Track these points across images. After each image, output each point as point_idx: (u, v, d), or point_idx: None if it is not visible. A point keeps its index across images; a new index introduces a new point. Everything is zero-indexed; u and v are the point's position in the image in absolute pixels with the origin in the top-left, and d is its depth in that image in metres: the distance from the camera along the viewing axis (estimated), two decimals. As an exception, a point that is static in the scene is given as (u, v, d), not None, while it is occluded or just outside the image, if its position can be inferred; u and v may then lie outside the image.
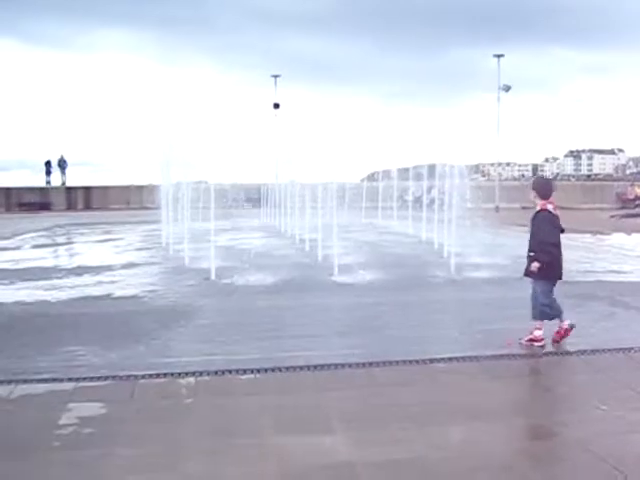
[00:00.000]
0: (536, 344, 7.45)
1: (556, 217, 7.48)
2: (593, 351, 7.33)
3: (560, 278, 7.59)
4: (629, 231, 24.67)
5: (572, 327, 7.51)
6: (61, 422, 5.42)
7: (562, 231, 7.57)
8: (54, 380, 6.44)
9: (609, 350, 7.37)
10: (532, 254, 7.44)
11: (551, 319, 7.55)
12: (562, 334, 7.53)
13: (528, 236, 7.60)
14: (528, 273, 7.50)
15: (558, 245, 7.43)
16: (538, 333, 7.49)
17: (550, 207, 7.48)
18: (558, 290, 7.65)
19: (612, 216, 32.49)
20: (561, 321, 7.54)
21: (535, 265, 7.34)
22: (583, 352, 7.29)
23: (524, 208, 39.15)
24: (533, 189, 7.68)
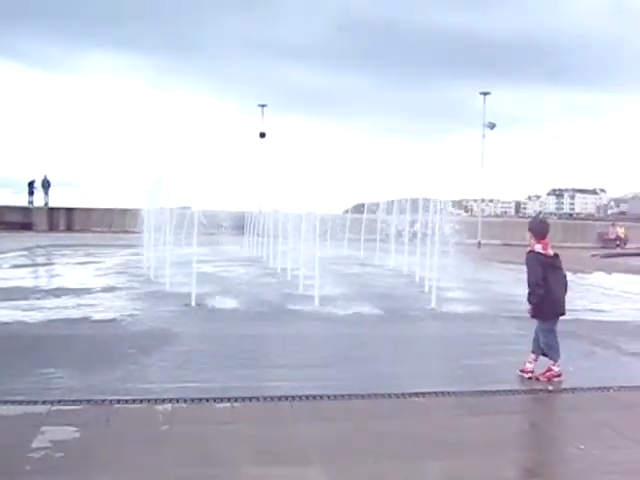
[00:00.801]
0: (555, 379, 7.56)
1: (545, 256, 7.56)
2: (572, 389, 7.36)
3: (559, 315, 7.71)
4: (609, 271, 24.85)
5: (558, 375, 7.59)
6: (34, 445, 5.32)
7: (560, 268, 7.64)
8: (28, 402, 6.34)
9: (588, 389, 7.39)
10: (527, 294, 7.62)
11: (551, 359, 7.66)
12: (547, 376, 7.58)
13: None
14: (533, 315, 7.68)
15: (549, 282, 7.47)
16: (555, 369, 7.62)
17: (538, 247, 7.58)
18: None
19: (593, 255, 32.75)
20: (553, 363, 7.63)
21: (528, 308, 7.60)
22: (563, 390, 7.31)
23: (505, 245, 39.48)
24: (529, 230, 7.81)
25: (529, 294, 7.53)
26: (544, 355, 7.67)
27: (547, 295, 7.47)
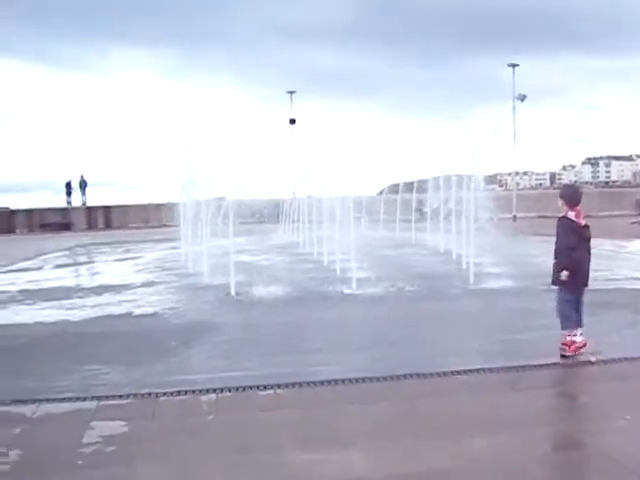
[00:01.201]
0: (582, 350, 7.36)
1: (577, 224, 7.40)
2: (615, 360, 7.26)
3: (583, 286, 7.52)
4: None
5: (585, 342, 7.38)
6: (84, 441, 5.45)
7: (588, 240, 7.48)
8: (76, 399, 6.49)
9: (632, 359, 7.30)
10: (555, 261, 7.43)
11: (563, 329, 7.47)
12: (569, 346, 7.39)
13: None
14: (555, 281, 7.47)
15: (577, 251, 7.33)
16: (578, 339, 7.39)
17: (571, 215, 7.42)
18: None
19: (632, 223, 32.23)
20: (568, 334, 7.42)
21: (564, 274, 7.32)
22: (605, 361, 7.22)
23: (541, 217, 39.01)
24: (561, 197, 7.62)
25: (557, 260, 7.35)
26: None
27: (576, 267, 7.31)
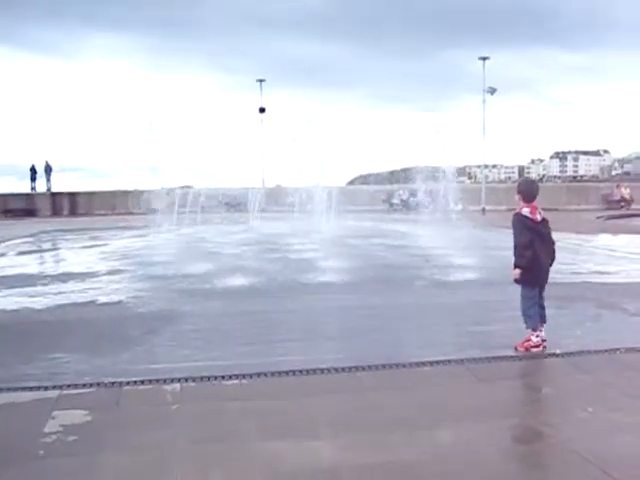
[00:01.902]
0: (533, 349, 7.34)
1: (532, 220, 7.27)
2: (580, 352, 7.34)
3: (543, 283, 7.47)
4: (615, 232, 24.81)
5: (537, 346, 7.35)
6: (46, 430, 5.37)
7: (546, 235, 7.39)
8: (39, 388, 6.39)
9: (596, 352, 7.39)
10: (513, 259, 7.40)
11: (527, 328, 7.43)
12: (525, 346, 7.36)
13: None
14: (515, 279, 7.45)
15: (533, 247, 7.22)
16: (534, 339, 7.36)
17: (526, 211, 7.29)
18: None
19: (598, 217, 32.65)
20: (532, 333, 7.38)
21: (515, 272, 7.32)
22: (570, 354, 7.29)
23: (510, 210, 39.29)
24: (518, 192, 7.49)
25: (516, 257, 7.27)
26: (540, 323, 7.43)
27: (533, 261, 7.21)
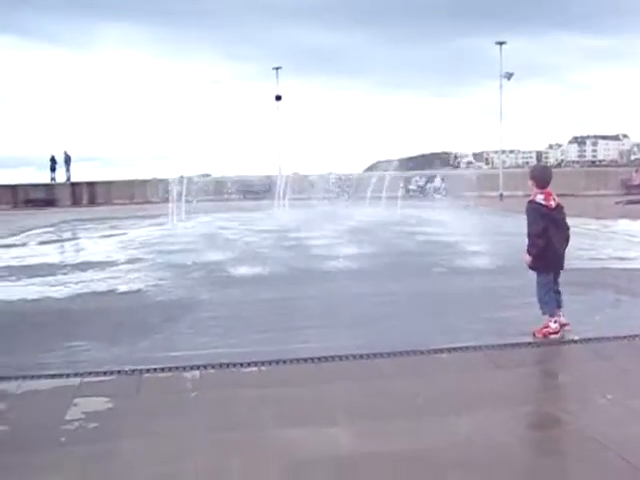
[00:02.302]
0: (552, 336, 7.29)
1: (546, 207, 7.23)
2: (598, 339, 7.31)
3: (558, 269, 7.43)
4: (634, 217, 24.57)
5: (555, 332, 7.30)
6: (67, 417, 5.44)
7: (560, 221, 7.34)
8: (60, 376, 6.47)
9: (615, 338, 7.34)
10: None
11: (543, 314, 7.41)
12: (543, 332, 7.32)
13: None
14: (528, 266, 7.43)
15: (545, 236, 7.17)
16: (552, 325, 7.32)
17: (540, 198, 7.24)
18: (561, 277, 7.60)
19: (617, 202, 32.35)
20: (550, 319, 7.34)
21: (527, 259, 7.31)
22: (588, 340, 7.26)
23: (528, 195, 39.00)
24: (530, 178, 7.45)
25: (528, 245, 7.25)
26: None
27: (547, 248, 7.18)
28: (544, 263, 7.29)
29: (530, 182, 7.43)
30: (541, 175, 7.48)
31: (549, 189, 7.36)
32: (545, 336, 7.32)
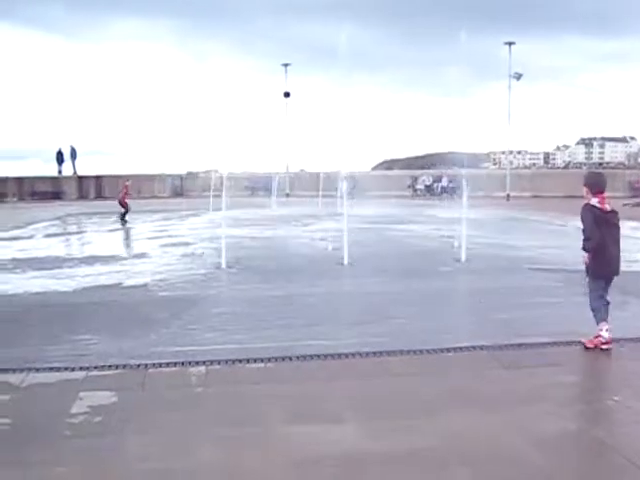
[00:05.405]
0: (603, 346, 7.06)
1: (601, 210, 7.10)
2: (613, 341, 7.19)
3: (610, 275, 7.24)
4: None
5: (607, 342, 7.04)
6: (72, 411, 5.44)
7: (614, 225, 7.18)
8: (65, 369, 6.47)
9: (623, 340, 7.24)
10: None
11: (596, 322, 7.16)
12: (594, 342, 7.09)
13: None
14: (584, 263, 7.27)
15: (598, 234, 7.01)
16: (604, 335, 7.06)
17: (594, 201, 7.13)
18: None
19: (624, 204, 32.20)
20: (601, 329, 7.08)
21: (584, 255, 7.15)
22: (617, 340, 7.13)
23: (535, 197, 39.00)
24: (584, 184, 7.30)
25: (583, 242, 7.10)
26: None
27: (599, 253, 7.04)
28: (596, 264, 7.11)
29: (584, 189, 7.29)
30: (595, 182, 7.36)
31: (604, 194, 7.24)
32: (596, 346, 7.08)
